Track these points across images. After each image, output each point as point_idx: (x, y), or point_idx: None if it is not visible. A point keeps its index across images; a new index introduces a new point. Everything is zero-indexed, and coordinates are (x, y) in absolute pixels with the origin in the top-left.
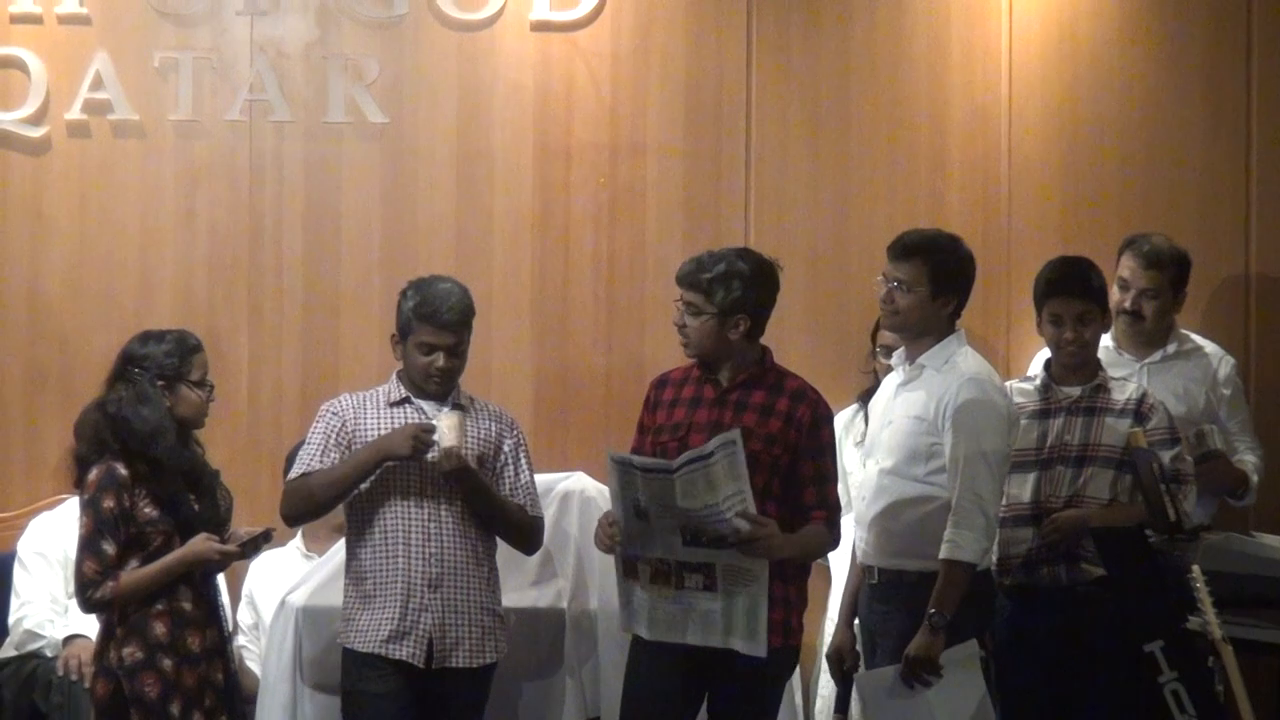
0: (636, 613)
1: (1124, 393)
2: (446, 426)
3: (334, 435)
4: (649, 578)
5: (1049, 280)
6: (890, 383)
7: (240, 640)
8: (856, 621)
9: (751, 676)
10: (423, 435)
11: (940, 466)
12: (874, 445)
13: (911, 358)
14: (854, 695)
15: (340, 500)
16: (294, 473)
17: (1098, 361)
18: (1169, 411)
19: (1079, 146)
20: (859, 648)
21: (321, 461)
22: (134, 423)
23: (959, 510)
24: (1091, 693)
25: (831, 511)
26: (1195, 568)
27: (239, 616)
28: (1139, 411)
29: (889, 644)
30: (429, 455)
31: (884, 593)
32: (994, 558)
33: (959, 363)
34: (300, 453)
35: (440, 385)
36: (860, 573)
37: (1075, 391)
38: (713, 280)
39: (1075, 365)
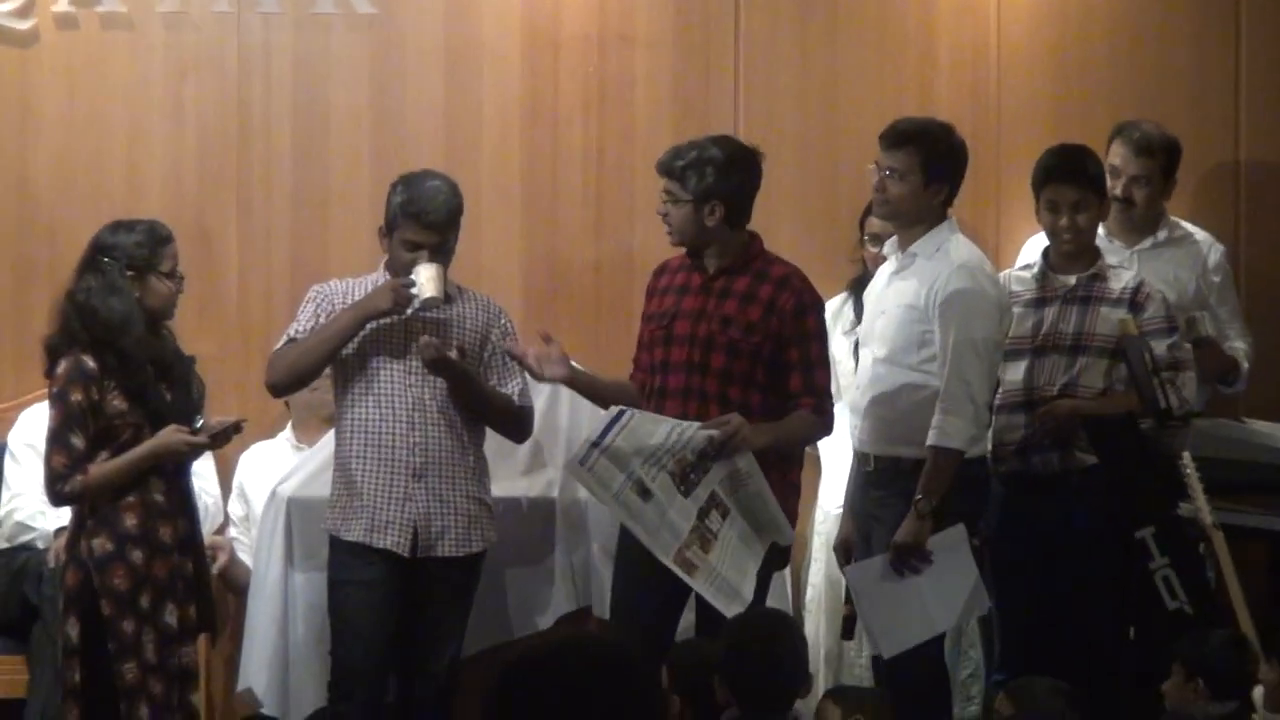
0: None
1: (1120, 281)
2: (425, 278)
3: (322, 313)
4: (704, 550)
5: (1046, 167)
6: (884, 272)
7: (232, 532)
8: None
9: None
10: (402, 290)
11: (933, 355)
12: (868, 334)
13: (904, 246)
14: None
15: (324, 363)
16: (280, 342)
17: (1096, 250)
18: (1166, 299)
19: (1068, 34)
20: (856, 536)
21: (304, 333)
22: (101, 313)
23: (947, 397)
24: (1083, 579)
25: (818, 398)
26: (1186, 454)
27: (230, 509)
28: (1134, 300)
29: (884, 532)
30: (410, 309)
31: (880, 479)
32: (989, 445)
33: (950, 250)
34: (288, 329)
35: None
36: (857, 461)
37: (1071, 280)
38: (686, 167)
39: (1071, 253)
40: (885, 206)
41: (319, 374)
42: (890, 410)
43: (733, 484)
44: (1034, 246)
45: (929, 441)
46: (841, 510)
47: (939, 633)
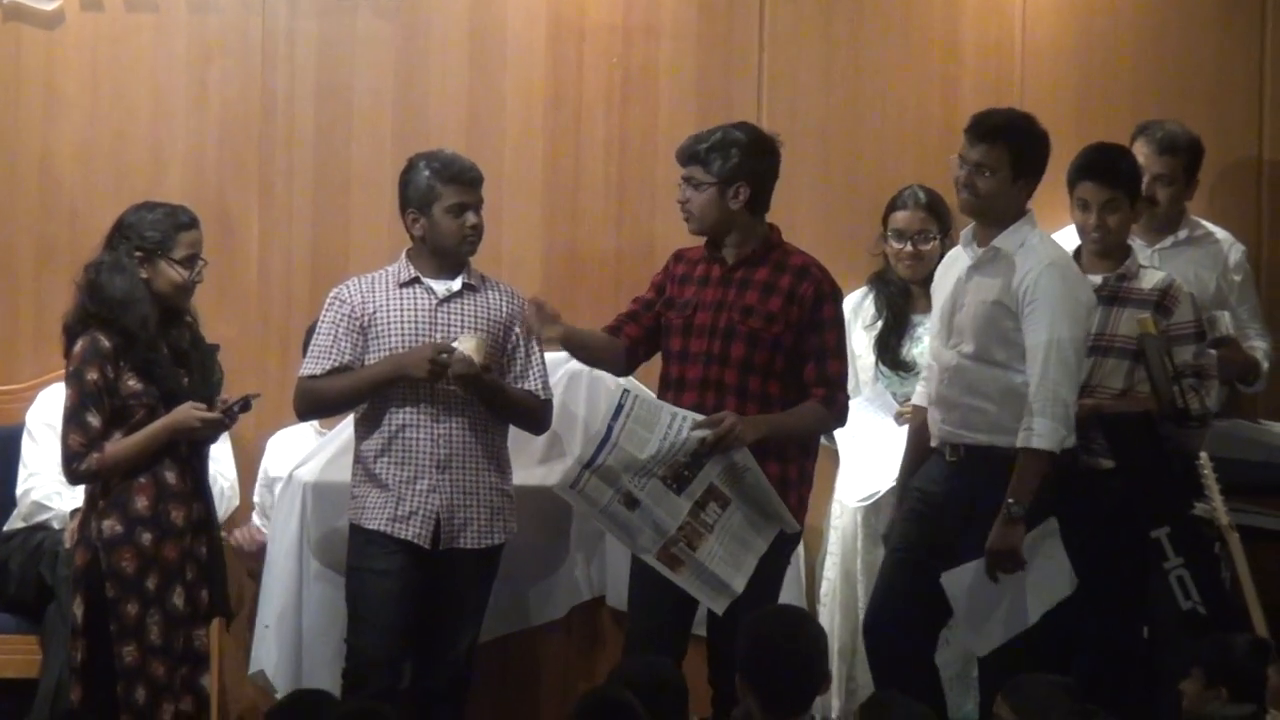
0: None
1: (1150, 281)
2: (470, 349)
3: (343, 325)
4: (691, 547)
5: (1078, 165)
6: (958, 262)
7: (255, 520)
8: None
9: None
10: (439, 359)
11: (1021, 352)
12: (947, 326)
13: (983, 240)
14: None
15: (350, 409)
16: (306, 370)
17: (1127, 248)
18: (1195, 302)
19: (1092, 29)
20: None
21: (334, 357)
22: (105, 289)
23: (1036, 398)
24: (1096, 578)
25: (831, 388)
26: (1203, 454)
27: (256, 497)
28: (1161, 303)
29: (978, 529)
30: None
31: (960, 470)
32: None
33: (1035, 246)
34: (311, 345)
35: (475, 245)
36: (921, 452)
37: (1097, 279)
38: (710, 149)
39: (1099, 252)
40: (974, 202)
41: (345, 415)
42: (986, 401)
43: (731, 476)
44: (1063, 241)
45: (1019, 443)
46: (867, 501)
47: (1029, 624)
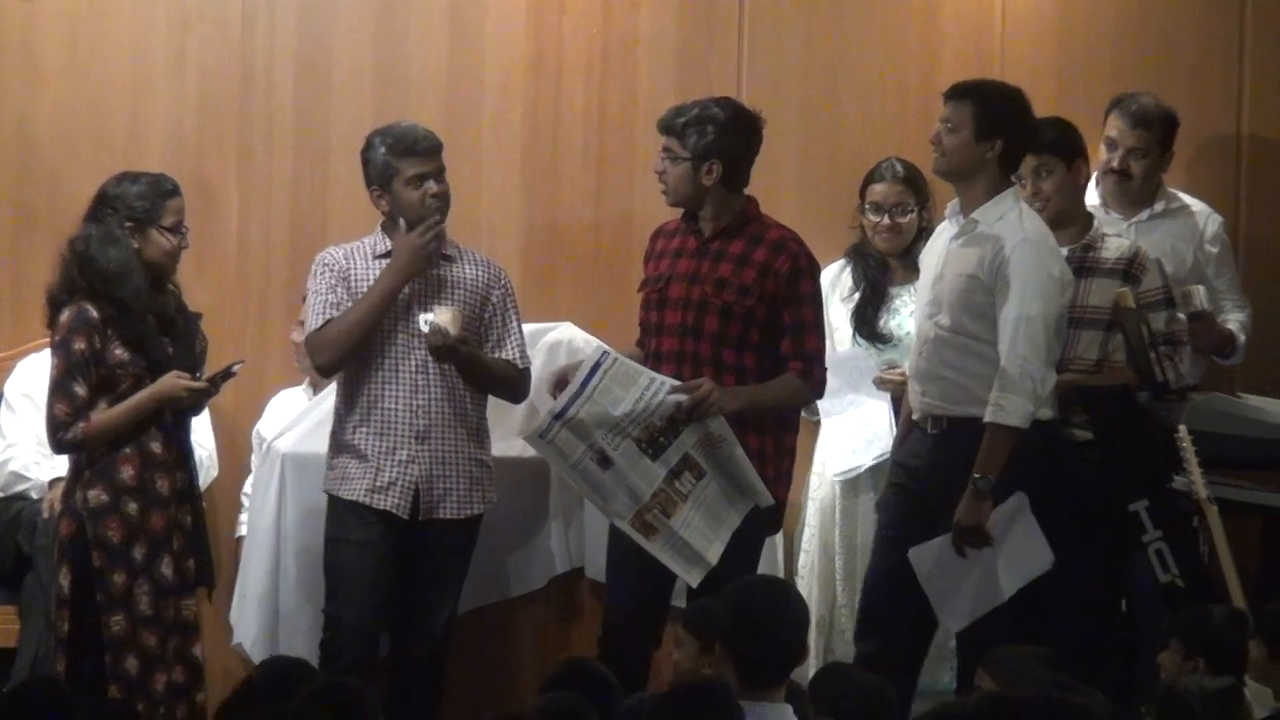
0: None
1: (1115, 250)
2: (445, 320)
3: (336, 283)
4: (665, 514)
5: None
6: (942, 233)
7: (248, 488)
8: None
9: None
10: (430, 244)
11: (993, 325)
12: (924, 297)
13: (965, 210)
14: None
15: (371, 333)
16: (312, 325)
17: (1089, 217)
18: (1163, 268)
19: (1073, 4)
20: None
21: (336, 309)
22: (100, 262)
23: (1004, 374)
24: (1074, 551)
25: (808, 362)
26: (1182, 428)
27: (253, 461)
28: (1129, 271)
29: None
30: (422, 326)
31: (940, 442)
32: (1051, 413)
33: (1013, 221)
34: (310, 306)
35: (442, 213)
36: (909, 425)
37: (1063, 251)
38: (686, 124)
39: (1051, 221)
40: (939, 160)
41: (365, 345)
42: (961, 374)
43: (707, 447)
44: None
45: (986, 418)
46: (847, 475)
47: (1003, 600)
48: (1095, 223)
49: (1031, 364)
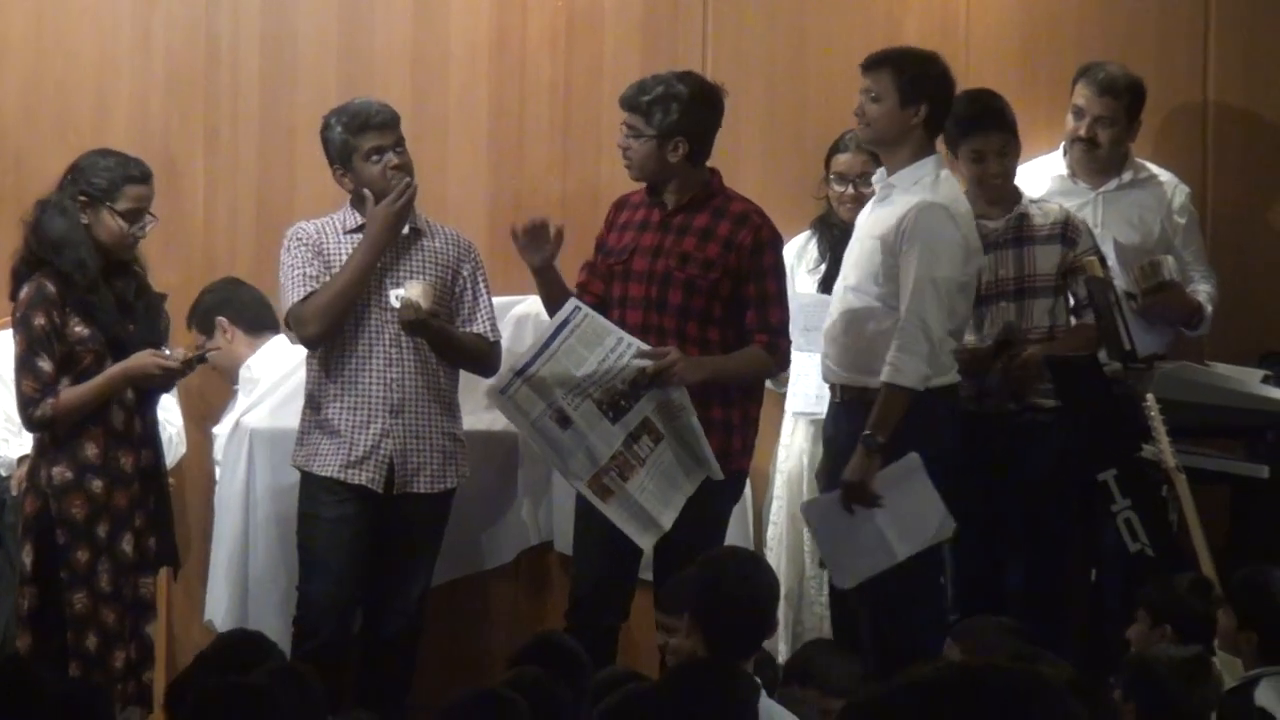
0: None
1: (1047, 217)
2: (417, 294)
3: (312, 256)
4: (622, 478)
5: (968, 117)
6: (872, 201)
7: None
8: None
9: (694, 502)
10: (402, 207)
11: (895, 289)
12: (844, 262)
13: (890, 175)
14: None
15: (355, 300)
16: (294, 298)
17: (1016, 190)
18: (1088, 226)
19: None
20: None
21: (316, 281)
22: (44, 229)
23: (902, 333)
24: (1039, 521)
25: (772, 334)
26: (1150, 396)
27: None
28: (1065, 235)
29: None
30: (393, 300)
31: (849, 410)
32: (952, 379)
33: (927, 185)
34: (288, 280)
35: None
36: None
37: (998, 224)
38: (651, 102)
39: (998, 199)
40: (865, 130)
41: (352, 307)
42: (858, 339)
43: (666, 414)
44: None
45: (881, 378)
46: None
47: (898, 561)
48: (1023, 194)
49: (931, 326)
